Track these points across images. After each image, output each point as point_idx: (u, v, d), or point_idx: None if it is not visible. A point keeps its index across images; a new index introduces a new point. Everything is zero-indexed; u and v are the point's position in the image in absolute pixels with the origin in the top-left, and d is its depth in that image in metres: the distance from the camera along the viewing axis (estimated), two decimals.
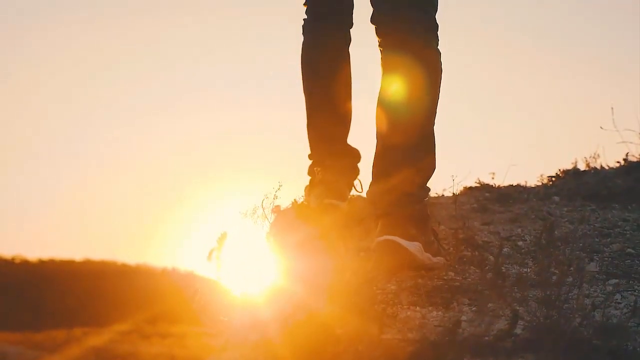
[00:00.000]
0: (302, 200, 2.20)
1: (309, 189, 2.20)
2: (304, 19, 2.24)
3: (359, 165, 2.29)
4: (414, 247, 1.80)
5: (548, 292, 1.42)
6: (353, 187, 2.32)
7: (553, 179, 3.21)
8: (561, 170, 3.28)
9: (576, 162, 3.36)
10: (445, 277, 1.73)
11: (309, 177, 2.23)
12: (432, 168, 1.92)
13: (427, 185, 1.94)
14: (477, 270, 1.79)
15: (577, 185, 2.91)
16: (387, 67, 1.91)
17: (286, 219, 2.19)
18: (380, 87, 1.92)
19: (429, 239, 1.88)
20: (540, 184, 3.13)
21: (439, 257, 1.87)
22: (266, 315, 1.69)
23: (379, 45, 1.94)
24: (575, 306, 1.43)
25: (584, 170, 3.29)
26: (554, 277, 1.49)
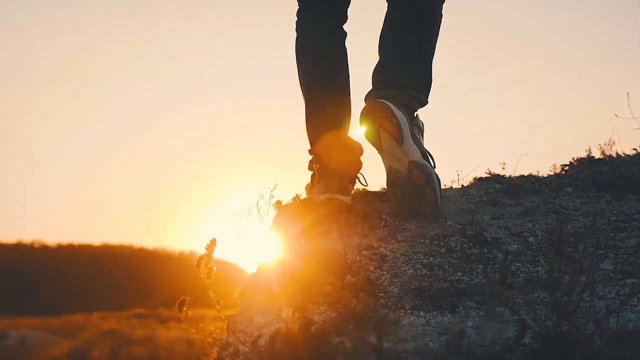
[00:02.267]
0: (304, 196, 2.12)
1: (310, 184, 2.13)
2: (297, 14, 2.17)
3: (362, 158, 2.21)
4: (402, 119, 1.87)
5: (559, 297, 1.34)
6: (357, 181, 2.24)
7: (566, 168, 3.11)
8: (575, 158, 3.17)
9: (590, 150, 3.25)
10: (451, 278, 1.65)
11: (310, 173, 2.16)
12: (430, 80, 2.06)
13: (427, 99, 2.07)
14: (485, 270, 1.70)
15: (591, 175, 2.80)
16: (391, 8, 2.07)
17: (288, 213, 2.12)
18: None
19: (417, 135, 1.98)
20: (552, 173, 3.03)
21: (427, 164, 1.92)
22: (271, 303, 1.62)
23: None
24: (588, 311, 1.35)
25: (599, 159, 3.18)
26: (566, 277, 1.40)
